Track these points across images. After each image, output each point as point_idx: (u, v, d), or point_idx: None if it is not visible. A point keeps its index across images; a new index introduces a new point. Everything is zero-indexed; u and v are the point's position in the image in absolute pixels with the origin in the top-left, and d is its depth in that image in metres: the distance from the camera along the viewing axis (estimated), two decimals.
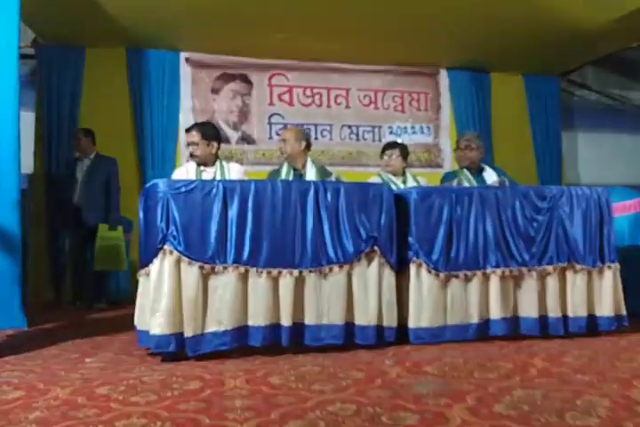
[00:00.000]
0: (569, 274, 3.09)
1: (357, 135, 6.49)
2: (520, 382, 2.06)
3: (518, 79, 6.99)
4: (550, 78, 6.98)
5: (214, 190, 2.54)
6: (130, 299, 5.04)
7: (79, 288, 4.94)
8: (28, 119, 5.15)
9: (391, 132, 6.62)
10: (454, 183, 3.37)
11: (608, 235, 3.15)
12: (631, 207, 4.52)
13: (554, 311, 3.03)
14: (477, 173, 3.91)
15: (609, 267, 3.13)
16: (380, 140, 6.46)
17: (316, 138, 6.24)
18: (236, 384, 2.06)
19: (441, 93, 6.77)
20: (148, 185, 2.61)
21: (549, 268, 3.04)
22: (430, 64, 6.61)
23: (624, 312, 3.15)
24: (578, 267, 3.08)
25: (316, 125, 6.34)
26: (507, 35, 5.56)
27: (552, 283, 3.06)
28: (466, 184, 3.75)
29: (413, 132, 6.71)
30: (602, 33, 5.44)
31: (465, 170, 3.91)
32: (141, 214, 2.61)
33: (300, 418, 1.65)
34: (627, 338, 3.00)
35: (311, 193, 2.68)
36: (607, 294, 3.12)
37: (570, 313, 3.07)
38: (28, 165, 5.11)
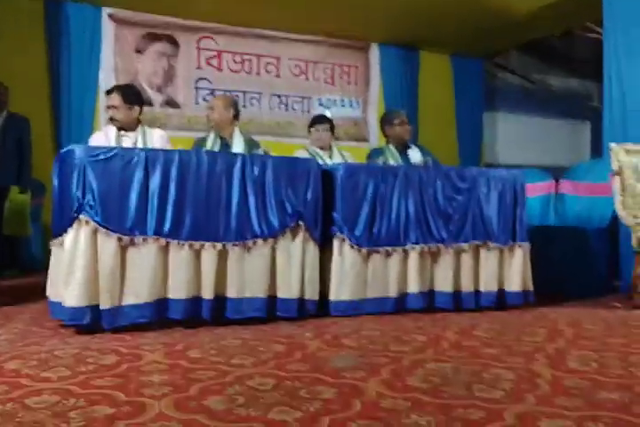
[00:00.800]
0: (482, 251, 3.23)
1: (287, 105, 6.43)
2: (433, 354, 2.15)
3: (446, 59, 7.15)
4: (476, 60, 7.16)
5: (135, 159, 2.44)
6: (42, 266, 4.88)
7: None
8: None
9: (320, 104, 6.61)
10: (379, 161, 3.41)
11: (520, 216, 3.31)
12: (542, 189, 4.75)
13: (467, 286, 3.18)
14: (403, 149, 3.98)
15: (519, 246, 3.30)
16: (308, 112, 6.43)
17: (244, 106, 6.11)
18: (153, 358, 2.03)
19: (371, 67, 6.80)
20: (63, 151, 2.46)
21: (465, 245, 3.18)
22: (362, 38, 6.61)
23: (531, 288, 3.35)
24: (491, 245, 3.23)
25: (244, 93, 6.21)
26: (436, 14, 5.64)
27: (467, 260, 3.20)
28: (391, 161, 3.81)
29: (342, 106, 6.72)
30: (529, 19, 5.62)
31: (391, 146, 3.96)
32: (55, 181, 2.47)
33: (219, 393, 1.66)
34: (531, 313, 3.19)
35: (238, 166, 2.63)
36: (516, 271, 3.29)
37: (482, 288, 3.23)
38: None
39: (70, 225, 2.36)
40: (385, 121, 4.12)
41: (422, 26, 6.01)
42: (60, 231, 2.44)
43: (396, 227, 3.06)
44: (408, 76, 6.87)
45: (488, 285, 3.23)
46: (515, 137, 7.60)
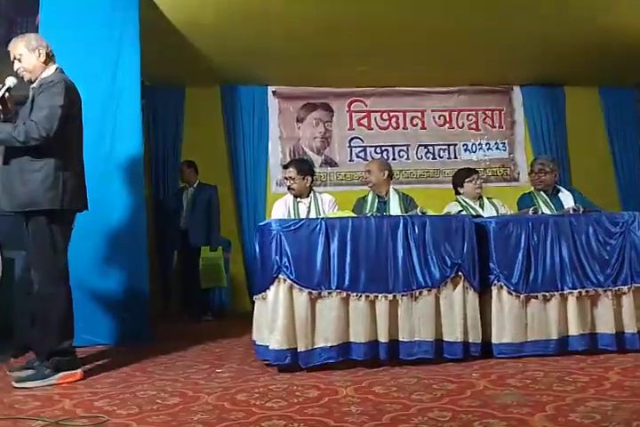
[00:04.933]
0: None
1: (433, 154, 6.79)
2: (594, 394, 2.35)
3: (593, 91, 7.01)
4: (626, 89, 6.96)
5: (318, 227, 2.98)
6: (231, 312, 5.66)
7: (187, 303, 5.55)
8: None
9: (466, 150, 6.88)
10: (530, 211, 3.63)
11: None
12: None
13: (630, 327, 3.26)
14: (554, 194, 4.17)
15: None
16: (455, 158, 6.78)
17: (394, 158, 6.62)
18: (347, 393, 2.47)
19: (515, 109, 6.95)
20: (261, 224, 3.09)
21: (624, 288, 3.28)
22: (503, 82, 6.82)
23: None
24: None
25: (393, 146, 6.70)
26: (578, 50, 5.64)
27: (627, 301, 3.28)
28: (543, 207, 4.00)
29: (488, 148, 6.93)
30: None
31: (541, 192, 4.16)
32: (257, 248, 3.09)
33: (407, 422, 2.04)
34: None
35: (401, 226, 3.07)
36: None
37: None
38: None
39: (271, 283, 2.94)
40: (530, 170, 4.36)
41: (565, 63, 6.02)
42: (263, 288, 3.02)
43: (552, 273, 3.26)
44: (554, 113, 6.87)
45: None
46: None
